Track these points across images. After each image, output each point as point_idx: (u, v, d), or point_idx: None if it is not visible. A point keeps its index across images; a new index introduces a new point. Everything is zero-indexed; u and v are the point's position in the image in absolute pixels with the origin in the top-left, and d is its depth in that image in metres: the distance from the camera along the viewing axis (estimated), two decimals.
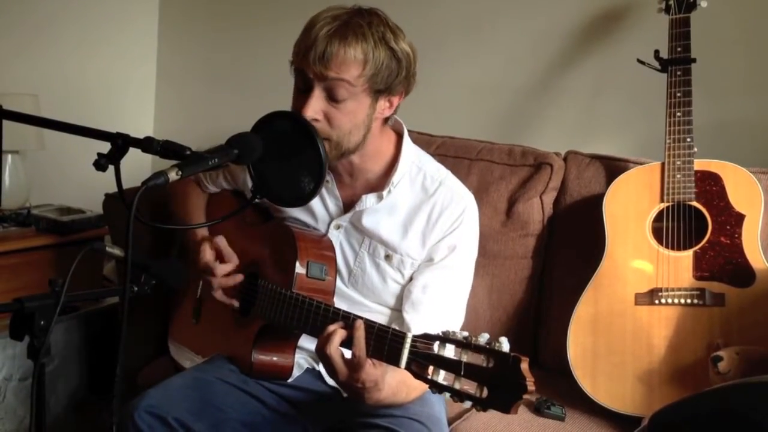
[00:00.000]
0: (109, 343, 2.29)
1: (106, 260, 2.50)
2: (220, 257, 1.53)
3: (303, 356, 1.53)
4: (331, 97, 1.35)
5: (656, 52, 1.74)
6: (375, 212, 1.49)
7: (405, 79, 1.41)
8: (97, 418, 2.20)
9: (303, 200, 1.39)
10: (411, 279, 1.50)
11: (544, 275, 1.92)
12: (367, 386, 1.20)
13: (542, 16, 2.23)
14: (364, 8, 1.39)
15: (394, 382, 1.26)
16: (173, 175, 1.05)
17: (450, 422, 1.54)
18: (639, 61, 1.79)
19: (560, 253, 1.90)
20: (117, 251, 1.17)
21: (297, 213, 1.55)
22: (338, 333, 1.20)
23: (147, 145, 1.11)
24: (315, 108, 1.34)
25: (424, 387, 1.17)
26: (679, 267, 1.62)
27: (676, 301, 1.61)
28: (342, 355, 1.21)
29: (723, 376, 1.45)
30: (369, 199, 1.48)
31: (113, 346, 2.27)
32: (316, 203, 1.53)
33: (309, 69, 1.33)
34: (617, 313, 1.64)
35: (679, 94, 1.67)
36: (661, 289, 1.62)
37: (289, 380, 1.50)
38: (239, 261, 1.56)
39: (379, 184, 1.49)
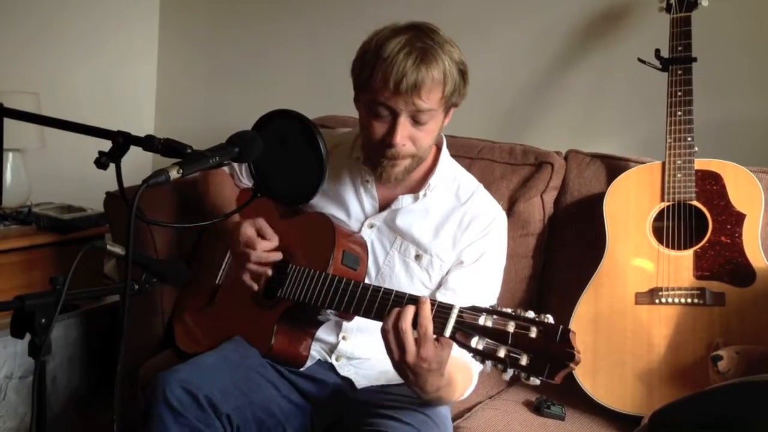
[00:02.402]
0: (109, 342, 2.29)
1: (107, 258, 2.50)
2: (261, 235, 1.55)
3: (316, 348, 1.55)
4: (416, 121, 1.40)
5: (657, 51, 1.74)
6: (410, 213, 1.54)
7: (464, 90, 1.45)
8: (97, 416, 2.20)
9: (303, 199, 1.40)
10: (439, 285, 1.52)
11: (544, 274, 1.92)
12: (433, 367, 1.20)
13: (543, 15, 2.23)
14: (418, 24, 1.42)
15: (447, 372, 1.26)
16: (174, 174, 1.05)
17: (452, 420, 1.54)
18: (640, 60, 1.79)
19: (561, 253, 1.90)
20: (118, 249, 1.17)
21: (330, 209, 1.58)
22: (409, 308, 1.21)
23: (148, 143, 1.11)
24: (404, 135, 1.40)
25: (466, 385, 1.23)
26: (679, 266, 1.62)
27: (676, 300, 1.61)
28: (413, 332, 1.21)
29: (723, 376, 1.45)
30: (405, 199, 1.53)
31: (114, 345, 2.27)
32: (351, 201, 1.57)
33: (400, 100, 1.36)
34: (617, 313, 1.64)
35: (679, 93, 1.67)
36: (661, 289, 1.62)
37: (302, 369, 1.53)
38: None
39: (417, 186, 1.55)
